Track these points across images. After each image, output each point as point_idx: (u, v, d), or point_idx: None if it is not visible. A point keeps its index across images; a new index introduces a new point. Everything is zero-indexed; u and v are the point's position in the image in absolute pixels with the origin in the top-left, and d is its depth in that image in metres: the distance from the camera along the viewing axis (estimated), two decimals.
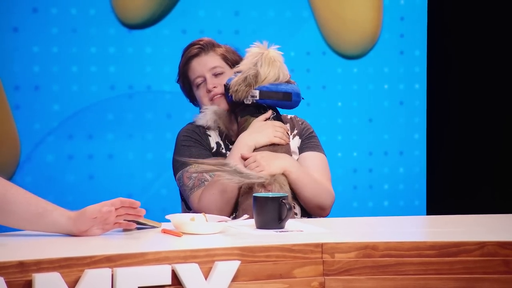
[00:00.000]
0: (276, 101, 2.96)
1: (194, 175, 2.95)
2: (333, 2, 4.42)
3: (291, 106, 3.00)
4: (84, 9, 4.08)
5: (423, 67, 4.55)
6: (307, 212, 2.95)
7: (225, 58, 3.07)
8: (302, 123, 3.10)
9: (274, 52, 2.99)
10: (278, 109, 3.04)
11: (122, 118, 4.18)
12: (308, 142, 3.04)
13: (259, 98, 2.94)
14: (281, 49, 3.01)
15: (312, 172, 2.95)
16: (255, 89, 2.94)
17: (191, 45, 3.10)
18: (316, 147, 3.04)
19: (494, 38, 4.54)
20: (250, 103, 2.95)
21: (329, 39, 4.42)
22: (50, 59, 4.05)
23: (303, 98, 3.00)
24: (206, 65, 3.05)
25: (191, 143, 3.00)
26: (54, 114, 4.07)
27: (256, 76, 2.94)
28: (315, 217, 2.95)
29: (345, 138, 4.47)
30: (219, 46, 3.09)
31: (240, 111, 2.99)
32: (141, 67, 4.17)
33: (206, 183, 2.92)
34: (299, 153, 3.02)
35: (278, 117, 3.01)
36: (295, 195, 2.92)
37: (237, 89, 2.94)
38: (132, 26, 4.16)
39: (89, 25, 4.08)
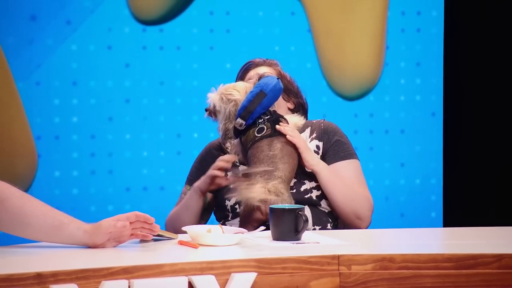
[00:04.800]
0: (260, 105, 2.86)
1: (183, 195, 3.01)
2: (335, 45, 4.43)
3: (274, 97, 2.89)
4: (100, 5, 4.12)
5: (440, 78, 4.55)
6: (325, 220, 2.92)
7: (279, 75, 3.03)
8: (323, 128, 3.01)
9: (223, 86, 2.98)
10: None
11: (139, 134, 4.20)
12: (338, 151, 2.97)
13: (246, 120, 2.87)
14: None
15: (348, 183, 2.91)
16: (235, 119, 2.88)
17: (256, 58, 3.11)
18: (347, 155, 2.97)
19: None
20: (243, 128, 2.89)
21: (330, 81, 4.43)
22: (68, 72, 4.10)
23: (278, 78, 2.91)
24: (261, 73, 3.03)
25: (197, 164, 3.05)
26: (73, 127, 4.10)
27: (235, 105, 2.91)
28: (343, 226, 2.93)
29: (362, 149, 4.47)
30: (278, 67, 3.08)
31: (243, 133, 2.92)
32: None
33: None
34: (329, 163, 2.95)
35: (276, 120, 2.90)
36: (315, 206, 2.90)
37: (228, 135, 2.94)
38: (147, 23, 4.19)
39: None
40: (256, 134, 2.87)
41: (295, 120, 3.01)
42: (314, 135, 3.00)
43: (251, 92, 2.90)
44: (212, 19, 4.27)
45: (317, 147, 2.99)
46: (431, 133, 4.54)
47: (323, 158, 2.97)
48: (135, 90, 4.19)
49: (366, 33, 4.45)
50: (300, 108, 3.07)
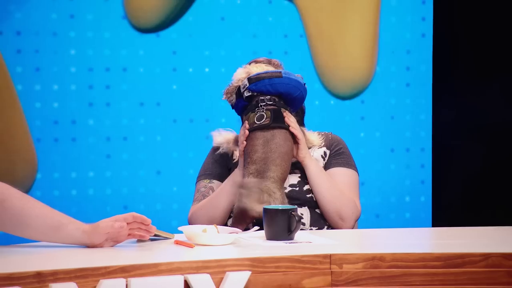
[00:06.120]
0: (268, 80, 2.87)
1: (203, 189, 2.97)
2: (329, 48, 4.44)
3: (287, 86, 2.90)
4: (99, 13, 4.13)
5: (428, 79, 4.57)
6: (323, 222, 2.94)
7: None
8: (331, 138, 3.04)
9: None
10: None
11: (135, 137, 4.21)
12: (339, 158, 2.99)
13: (249, 84, 2.89)
14: None
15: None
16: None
17: (260, 57, 3.11)
18: (346, 163, 2.99)
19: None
20: (249, 94, 2.90)
21: (324, 81, 4.44)
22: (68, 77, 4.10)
23: (305, 83, 2.93)
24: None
25: (210, 159, 3.03)
26: (71, 129, 4.11)
27: (248, 74, 2.94)
28: (331, 228, 2.94)
29: (354, 151, 4.47)
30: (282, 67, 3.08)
31: (245, 113, 2.94)
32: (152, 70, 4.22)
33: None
34: (327, 168, 2.98)
35: (279, 112, 2.89)
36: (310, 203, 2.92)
37: (227, 92, 2.96)
38: (143, 30, 4.20)
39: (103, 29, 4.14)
40: (256, 121, 2.88)
41: (314, 138, 3.02)
42: (323, 143, 3.03)
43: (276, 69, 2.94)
44: (207, 24, 4.28)
45: (324, 153, 3.02)
46: (421, 136, 4.55)
47: (326, 164, 2.99)
48: (132, 94, 4.19)
49: (358, 36, 4.47)
50: (300, 113, 3.09)
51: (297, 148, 2.92)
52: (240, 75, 2.97)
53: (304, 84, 2.95)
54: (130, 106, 4.19)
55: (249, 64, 3.05)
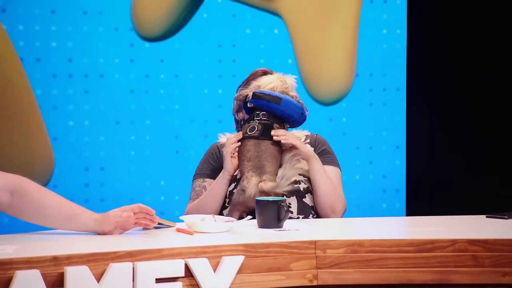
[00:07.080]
0: (267, 102, 2.87)
1: (197, 188, 2.96)
2: (313, 59, 4.43)
3: (282, 112, 2.89)
4: (109, 25, 4.11)
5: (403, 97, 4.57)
6: (309, 211, 2.92)
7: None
8: (316, 138, 3.03)
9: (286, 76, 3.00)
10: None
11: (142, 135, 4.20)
12: (325, 157, 2.98)
13: (252, 98, 2.89)
14: None
15: None
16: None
17: (258, 69, 3.08)
18: (331, 162, 2.98)
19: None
20: (251, 106, 2.91)
21: (309, 89, 4.44)
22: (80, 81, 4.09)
23: (303, 113, 2.93)
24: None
25: (205, 159, 3.02)
26: (85, 129, 4.09)
27: (258, 87, 2.95)
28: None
29: (337, 149, 4.47)
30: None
31: (244, 122, 2.96)
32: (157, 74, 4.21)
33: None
34: None
35: (268, 127, 2.89)
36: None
37: (234, 109, 2.99)
38: (149, 40, 4.19)
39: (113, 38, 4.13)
40: (248, 132, 2.89)
41: (299, 134, 3.02)
42: (308, 141, 3.03)
43: (281, 94, 2.91)
44: (206, 35, 4.27)
45: None
46: (396, 135, 4.55)
47: None
48: (139, 98, 4.18)
49: (339, 47, 4.46)
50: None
51: (300, 149, 2.89)
52: (265, 82, 2.96)
53: (302, 113, 2.93)
54: (137, 108, 4.18)
55: (284, 74, 3.02)
